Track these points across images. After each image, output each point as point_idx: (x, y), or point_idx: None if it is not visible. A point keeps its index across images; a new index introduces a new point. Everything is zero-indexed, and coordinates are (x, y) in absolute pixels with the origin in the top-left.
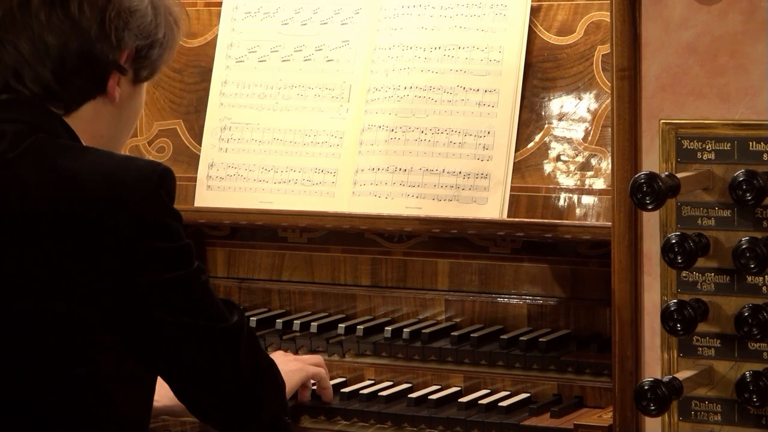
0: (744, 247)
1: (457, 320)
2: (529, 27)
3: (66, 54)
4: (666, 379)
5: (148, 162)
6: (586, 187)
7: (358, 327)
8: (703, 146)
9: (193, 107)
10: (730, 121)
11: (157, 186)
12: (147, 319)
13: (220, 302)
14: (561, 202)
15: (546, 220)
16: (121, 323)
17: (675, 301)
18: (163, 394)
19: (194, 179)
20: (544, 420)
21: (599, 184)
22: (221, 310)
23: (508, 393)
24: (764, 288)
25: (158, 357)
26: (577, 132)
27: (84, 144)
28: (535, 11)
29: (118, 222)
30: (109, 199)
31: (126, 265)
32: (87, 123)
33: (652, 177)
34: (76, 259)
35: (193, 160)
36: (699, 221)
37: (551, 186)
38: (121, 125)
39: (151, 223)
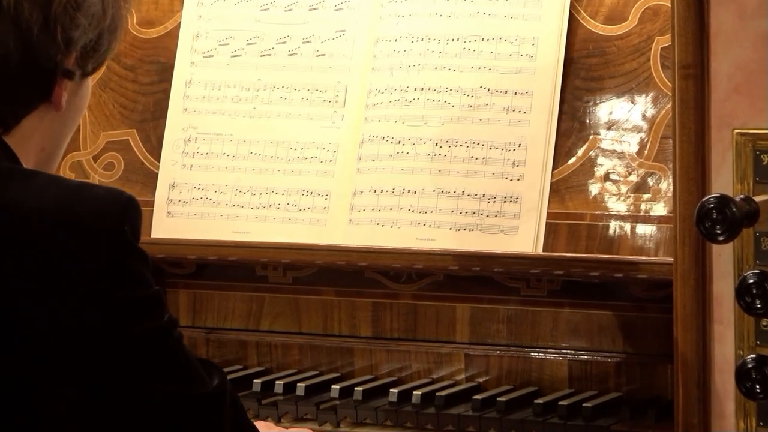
0: None
1: (481, 380)
2: (570, 14)
3: (3, 64)
4: None
5: (107, 190)
6: (642, 213)
7: (356, 389)
8: None
9: (149, 114)
10: None
11: (121, 221)
12: (107, 384)
13: (197, 362)
14: (610, 233)
15: (591, 255)
16: (76, 387)
17: (753, 356)
18: None
19: (151, 203)
20: None
21: (658, 209)
22: (198, 373)
23: None
24: None
25: (119, 428)
26: (631, 144)
27: (24, 164)
28: None
29: (72, 265)
30: (61, 238)
31: (81, 319)
32: (27, 139)
33: (723, 201)
34: (20, 311)
35: (150, 179)
36: None
37: (598, 212)
38: (66, 131)
39: (113, 267)
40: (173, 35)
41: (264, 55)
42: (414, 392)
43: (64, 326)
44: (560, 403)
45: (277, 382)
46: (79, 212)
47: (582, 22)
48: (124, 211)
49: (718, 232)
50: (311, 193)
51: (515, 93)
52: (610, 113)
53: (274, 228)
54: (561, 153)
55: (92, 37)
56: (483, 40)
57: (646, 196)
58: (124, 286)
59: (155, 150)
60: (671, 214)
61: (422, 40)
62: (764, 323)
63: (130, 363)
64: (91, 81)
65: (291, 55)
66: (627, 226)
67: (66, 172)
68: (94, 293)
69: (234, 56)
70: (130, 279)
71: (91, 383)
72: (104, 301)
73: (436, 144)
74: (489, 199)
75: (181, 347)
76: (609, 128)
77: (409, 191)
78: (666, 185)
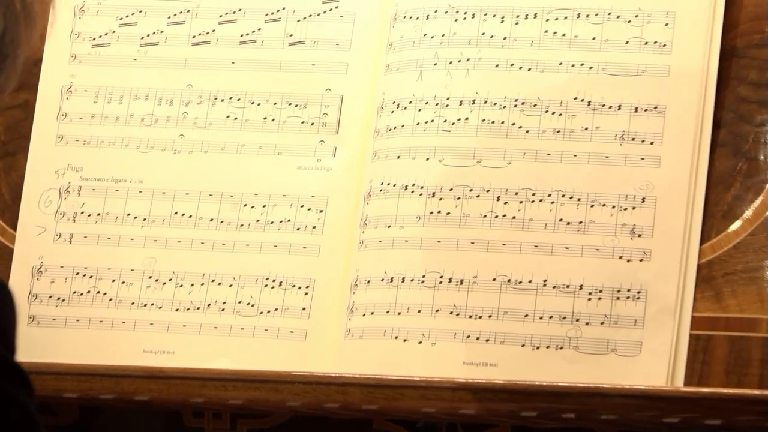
0: None
1: None
2: None
3: None
4: None
5: None
6: None
7: None
8: None
9: None
10: None
11: None
12: None
13: None
14: None
15: None
16: None
17: None
18: None
19: None
20: None
21: None
22: None
23: None
24: None
25: None
26: None
27: None
28: None
29: None
30: None
31: None
32: None
33: None
34: None
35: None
36: None
37: None
38: None
39: None
40: None
41: (198, 44)
42: None
43: None
44: None
45: None
46: None
47: None
48: None
49: None
50: (281, 284)
51: (635, 109)
52: None
53: (216, 344)
54: (716, 213)
55: None
56: (579, 16)
57: None
58: None
59: (8, 208)
60: None
61: (473, 16)
62: None
63: None
64: None
65: (245, 42)
66: None
67: None
68: None
69: (146, 45)
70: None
71: None
72: None
73: (498, 198)
74: (590, 293)
75: None
76: None
77: (450, 280)
78: None
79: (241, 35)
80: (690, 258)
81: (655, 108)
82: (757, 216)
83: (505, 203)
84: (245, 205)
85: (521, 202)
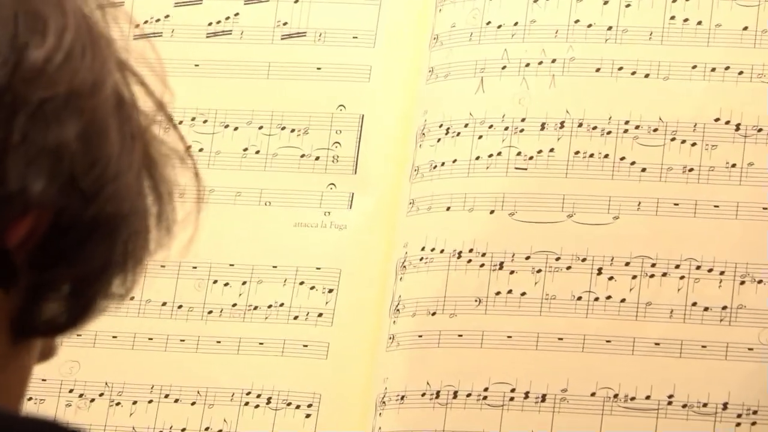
0: None
1: None
2: None
3: None
4: None
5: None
6: None
7: None
8: None
9: None
10: None
11: None
12: None
13: None
14: None
15: None
16: None
17: None
18: None
19: None
20: None
21: None
22: None
23: None
24: None
25: None
26: None
27: None
28: None
29: None
30: None
31: None
32: None
33: None
34: None
35: None
36: None
37: None
38: None
39: None
40: None
41: (144, 36)
42: None
43: None
44: None
45: None
46: None
47: None
48: None
49: None
50: (270, 401)
51: None
52: None
53: None
54: None
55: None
56: None
57: None
58: None
59: None
60: None
61: None
62: None
63: None
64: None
65: (215, 34)
66: None
67: None
68: None
69: None
70: None
71: None
72: None
73: (599, 270)
74: (739, 414)
75: None
76: None
77: (527, 395)
78: None
79: (210, 23)
80: None
81: None
82: None
83: (610, 279)
84: (215, 282)
85: (634, 277)
